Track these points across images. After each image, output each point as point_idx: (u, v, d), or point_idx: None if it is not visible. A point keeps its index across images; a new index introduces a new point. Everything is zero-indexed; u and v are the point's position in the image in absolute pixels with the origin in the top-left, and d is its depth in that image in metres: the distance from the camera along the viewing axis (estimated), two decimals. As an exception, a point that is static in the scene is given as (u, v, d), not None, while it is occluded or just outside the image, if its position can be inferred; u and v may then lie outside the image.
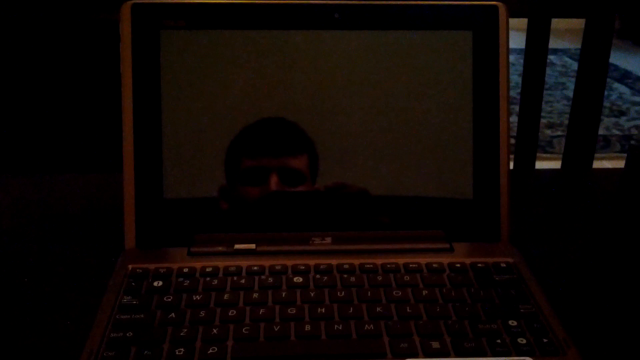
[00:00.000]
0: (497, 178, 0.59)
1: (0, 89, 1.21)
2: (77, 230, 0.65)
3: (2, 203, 0.71)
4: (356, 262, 0.55)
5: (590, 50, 0.99)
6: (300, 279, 0.53)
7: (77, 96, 1.23)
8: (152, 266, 0.54)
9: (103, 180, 0.75)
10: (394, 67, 0.59)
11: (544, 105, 1.10)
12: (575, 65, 3.35)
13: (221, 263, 0.55)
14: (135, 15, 0.57)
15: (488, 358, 0.46)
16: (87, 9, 0.95)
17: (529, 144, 1.06)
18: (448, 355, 0.46)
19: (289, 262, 0.55)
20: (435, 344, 0.46)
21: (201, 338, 0.47)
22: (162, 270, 0.54)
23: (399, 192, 0.59)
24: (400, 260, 0.55)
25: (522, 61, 1.06)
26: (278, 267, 0.54)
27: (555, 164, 1.20)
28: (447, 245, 0.58)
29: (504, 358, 0.46)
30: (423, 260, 0.56)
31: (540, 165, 1.11)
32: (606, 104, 2.89)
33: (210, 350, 0.45)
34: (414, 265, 0.55)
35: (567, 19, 1.07)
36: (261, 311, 0.49)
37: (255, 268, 0.54)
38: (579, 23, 1.03)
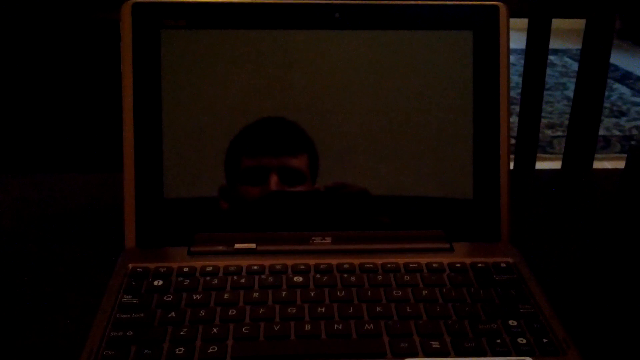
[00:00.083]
0: (497, 178, 0.59)
1: (1, 88, 1.21)
2: (78, 230, 0.65)
3: (2, 202, 0.71)
4: (356, 261, 0.55)
5: (590, 50, 0.99)
6: (300, 279, 0.53)
7: (77, 96, 1.23)
8: (152, 265, 0.54)
9: (103, 179, 0.75)
10: (394, 67, 0.59)
11: (544, 106, 1.10)
12: (575, 66, 3.36)
13: (221, 262, 0.55)
14: (135, 14, 0.57)
15: (488, 358, 0.46)
16: (88, 8, 0.95)
17: (529, 144, 1.06)
18: (448, 355, 0.46)
19: (289, 262, 0.55)
20: (435, 344, 0.46)
21: (201, 337, 0.47)
22: (162, 270, 0.54)
23: (399, 192, 0.59)
24: (400, 260, 0.55)
25: (522, 61, 1.06)
26: (278, 267, 0.54)
27: (556, 165, 1.20)
28: (447, 245, 0.58)
29: (503, 358, 0.46)
30: (423, 260, 0.56)
31: (540, 165, 1.11)
32: (606, 104, 2.90)
33: (210, 350, 0.45)
34: (414, 265, 0.55)
35: (567, 20, 1.07)
36: (261, 310, 0.49)
37: (256, 267, 0.54)
38: (579, 23, 1.03)
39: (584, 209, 0.72)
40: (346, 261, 0.55)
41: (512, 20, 0.60)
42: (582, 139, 1.03)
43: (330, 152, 0.59)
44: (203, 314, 0.49)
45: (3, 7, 0.99)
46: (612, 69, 3.37)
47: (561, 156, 1.06)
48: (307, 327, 0.48)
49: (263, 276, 0.53)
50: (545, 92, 1.10)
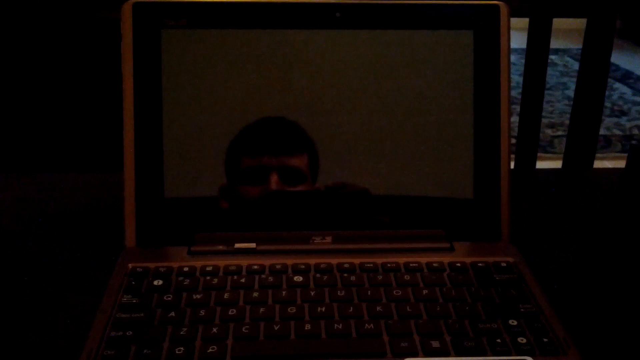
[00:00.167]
0: (497, 177, 0.59)
1: (1, 88, 1.21)
2: (78, 229, 0.65)
3: (2, 202, 0.71)
4: (356, 261, 0.55)
5: (591, 50, 0.99)
6: (301, 278, 0.53)
7: (78, 95, 1.23)
8: (152, 265, 0.54)
9: (103, 179, 0.75)
10: (395, 67, 0.59)
11: (544, 105, 1.10)
12: (576, 65, 3.35)
13: (221, 262, 0.55)
14: (136, 14, 0.57)
15: (488, 357, 0.45)
16: (88, 8, 0.95)
17: (530, 144, 1.06)
18: (448, 355, 0.46)
19: (289, 262, 0.55)
20: (435, 343, 0.46)
21: (201, 337, 0.47)
22: (162, 269, 0.54)
23: (399, 191, 0.59)
24: (401, 260, 0.55)
25: (523, 61, 1.05)
26: (278, 267, 0.54)
27: (556, 164, 1.20)
28: (448, 245, 0.58)
29: (504, 357, 0.45)
30: (423, 259, 0.56)
31: (541, 165, 1.10)
32: (607, 104, 2.89)
33: (210, 349, 0.45)
34: (414, 265, 0.55)
35: (568, 19, 1.07)
36: (261, 310, 0.49)
37: (256, 267, 0.54)
38: (580, 23, 1.03)
39: (585, 208, 0.72)
40: (346, 261, 0.55)
41: (512, 19, 0.60)
42: (583, 138, 1.03)
43: (331, 152, 0.59)
44: (203, 313, 0.49)
45: (3, 7, 0.99)
46: (613, 69, 3.37)
47: (562, 156, 1.06)
48: (307, 326, 0.48)
49: (263, 276, 0.53)
50: (546, 92, 1.10)
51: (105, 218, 0.66)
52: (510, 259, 0.56)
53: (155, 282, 0.52)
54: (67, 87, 1.23)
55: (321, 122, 0.59)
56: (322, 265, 0.55)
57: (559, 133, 2.60)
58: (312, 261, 0.55)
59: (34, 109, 1.23)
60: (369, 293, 0.51)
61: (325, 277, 0.53)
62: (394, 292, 0.52)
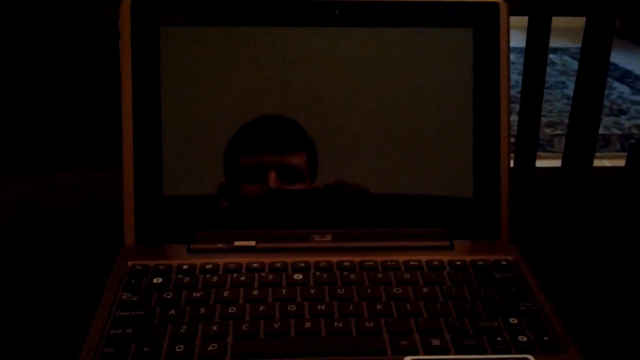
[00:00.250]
0: (497, 176, 0.59)
1: (1, 87, 1.21)
2: (77, 227, 0.65)
3: (2, 200, 0.70)
4: (356, 259, 0.55)
5: (590, 49, 0.99)
6: (300, 276, 0.53)
7: (76, 93, 1.23)
8: (151, 263, 0.54)
9: (103, 177, 0.75)
10: (394, 65, 0.59)
11: (544, 104, 1.10)
12: (575, 64, 3.36)
13: (221, 260, 0.55)
14: (134, 11, 0.57)
15: (488, 356, 0.45)
16: (87, 5, 0.95)
17: (529, 143, 1.06)
18: (448, 353, 0.46)
19: (289, 260, 0.55)
20: (436, 342, 0.46)
21: (201, 335, 0.46)
22: (161, 267, 0.54)
23: (399, 189, 0.59)
24: (401, 258, 0.55)
25: (522, 60, 1.05)
26: (278, 265, 0.54)
27: (556, 163, 1.20)
28: (448, 243, 0.58)
29: (504, 356, 0.45)
30: (423, 257, 0.56)
31: (540, 164, 1.10)
32: (606, 103, 2.89)
33: (210, 347, 0.45)
34: (414, 263, 0.55)
35: (567, 18, 1.07)
36: (261, 308, 0.49)
37: (255, 265, 0.54)
38: (579, 22, 1.03)
39: (584, 207, 0.72)
40: (346, 259, 0.55)
41: (512, 18, 0.60)
42: (582, 137, 1.03)
43: (330, 150, 0.59)
44: (203, 311, 0.49)
45: (4, 5, 0.99)
46: (612, 68, 3.37)
47: (561, 155, 1.06)
48: (307, 324, 0.48)
49: (263, 274, 0.53)
50: (545, 91, 1.10)
51: (104, 216, 0.66)
52: (510, 258, 0.56)
53: (155, 280, 0.52)
54: (66, 85, 1.23)
55: (320, 120, 0.59)
56: (322, 264, 0.55)
57: (558, 132, 2.60)
58: (312, 259, 0.55)
59: (33, 108, 1.23)
60: (369, 291, 0.51)
61: (325, 275, 0.53)
62: (394, 290, 0.52)
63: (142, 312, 0.49)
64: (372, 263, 0.55)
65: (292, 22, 0.59)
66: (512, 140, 0.70)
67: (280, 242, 0.57)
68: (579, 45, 1.01)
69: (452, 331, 0.47)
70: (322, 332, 0.47)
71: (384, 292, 0.51)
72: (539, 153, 1.09)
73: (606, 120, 2.75)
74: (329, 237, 0.58)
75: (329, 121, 0.59)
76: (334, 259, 0.55)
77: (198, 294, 0.51)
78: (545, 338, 0.47)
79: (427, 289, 0.52)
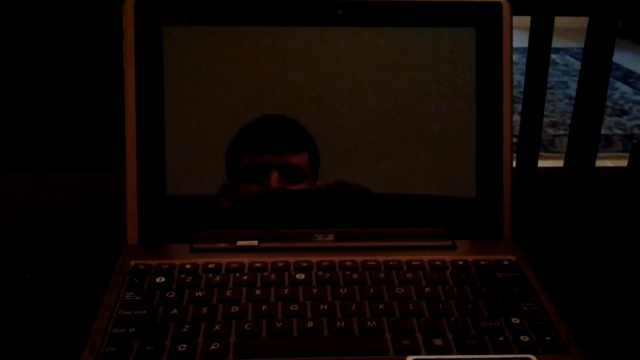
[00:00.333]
0: (499, 176, 0.59)
1: (2, 85, 1.21)
2: (80, 227, 0.65)
3: (4, 200, 0.71)
4: (359, 259, 0.55)
5: (593, 49, 0.99)
6: (303, 276, 0.53)
7: (79, 93, 1.23)
8: (154, 262, 0.54)
9: (106, 176, 0.75)
10: (397, 64, 0.59)
11: (546, 104, 1.10)
12: (577, 65, 3.35)
13: (223, 259, 0.55)
14: (137, 11, 0.57)
15: (490, 355, 0.45)
16: (90, 6, 0.95)
17: (532, 143, 1.06)
18: (450, 353, 0.46)
19: (292, 259, 0.55)
20: (438, 341, 0.46)
21: (203, 334, 0.46)
22: (164, 267, 0.54)
23: (401, 189, 0.59)
24: (403, 258, 0.55)
25: (524, 60, 1.05)
26: (280, 264, 0.54)
27: (558, 163, 1.20)
28: (450, 243, 0.58)
29: (506, 356, 0.45)
30: (426, 257, 0.56)
31: (542, 164, 1.10)
32: (608, 103, 2.89)
33: (213, 346, 0.45)
34: (416, 263, 0.55)
35: (569, 18, 1.07)
36: (263, 307, 0.49)
37: (258, 265, 0.54)
38: (581, 22, 1.03)
39: (586, 207, 0.72)
40: (348, 258, 0.55)
41: (514, 18, 0.60)
42: (584, 137, 1.03)
43: (332, 150, 0.59)
44: (205, 310, 0.49)
45: (5, 5, 0.99)
46: (614, 68, 3.37)
47: (563, 155, 1.06)
48: (310, 324, 0.48)
49: (265, 273, 0.53)
50: (547, 91, 1.10)
51: (107, 215, 0.66)
52: (513, 257, 0.56)
53: (158, 280, 0.52)
54: (69, 85, 1.23)
55: (322, 120, 0.59)
56: (324, 263, 0.55)
57: (560, 132, 2.60)
58: (314, 259, 0.55)
59: (36, 107, 1.23)
60: (371, 291, 0.51)
61: (327, 275, 0.53)
62: (396, 290, 0.52)
63: (144, 312, 0.49)
64: (374, 263, 0.55)
65: (295, 22, 0.59)
66: (515, 140, 0.70)
67: (282, 241, 0.57)
68: (582, 45, 1.01)
69: (454, 331, 0.47)
70: (324, 331, 0.47)
71: (386, 291, 0.51)
72: (541, 153, 1.09)
73: (608, 121, 2.75)
74: (331, 237, 0.58)
75: (331, 121, 0.59)
76: (336, 258, 0.55)
77: (200, 294, 0.51)
78: (547, 338, 0.47)
79: (429, 289, 0.52)
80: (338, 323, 0.48)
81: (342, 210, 0.59)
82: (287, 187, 0.58)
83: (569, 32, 3.28)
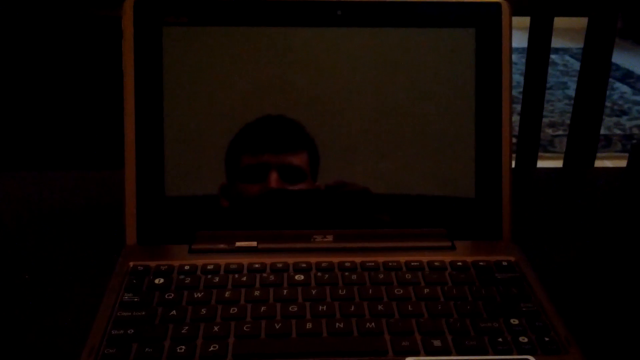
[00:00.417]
0: (499, 176, 0.59)
1: (2, 85, 1.21)
2: (79, 227, 0.65)
3: (4, 199, 0.70)
4: (358, 260, 0.55)
5: (592, 49, 0.99)
6: (302, 277, 0.53)
7: (78, 93, 1.23)
8: (153, 263, 0.54)
9: (104, 177, 0.75)
10: (396, 65, 0.59)
11: (545, 105, 1.10)
12: (576, 65, 3.35)
13: (222, 260, 0.55)
14: (137, 11, 0.57)
15: (490, 356, 0.45)
16: (89, 5, 0.95)
17: (531, 143, 1.06)
18: (449, 354, 0.46)
19: (291, 260, 0.55)
20: (437, 342, 0.46)
21: (202, 335, 0.46)
22: (163, 268, 0.54)
23: (400, 190, 0.59)
24: (402, 258, 0.55)
25: (524, 60, 1.05)
26: (279, 265, 0.54)
27: (557, 163, 1.20)
28: (449, 244, 0.58)
29: (505, 357, 0.45)
30: (425, 258, 0.56)
31: (541, 164, 1.10)
32: (607, 103, 2.89)
33: (212, 348, 0.45)
34: (415, 263, 0.55)
35: (569, 18, 1.07)
36: (262, 309, 0.49)
37: (257, 265, 0.54)
38: (580, 22, 1.03)
39: (585, 207, 0.72)
40: (348, 259, 0.55)
41: (514, 19, 0.60)
42: (584, 137, 1.03)
43: (332, 150, 0.59)
44: (204, 312, 0.49)
45: (5, 5, 0.99)
46: (613, 68, 3.37)
47: (562, 155, 1.06)
48: (309, 325, 0.48)
49: (264, 274, 0.53)
50: (547, 91, 1.10)
51: (106, 216, 0.66)
52: (512, 258, 0.56)
53: (157, 281, 0.52)
54: (68, 85, 1.23)
55: (322, 120, 0.59)
56: (323, 264, 0.55)
57: (560, 132, 2.60)
58: (314, 260, 0.55)
59: (35, 107, 1.23)
60: (370, 292, 0.51)
61: (326, 276, 0.53)
62: (396, 290, 0.52)
63: (143, 313, 0.49)
64: (373, 264, 0.55)
65: (295, 23, 0.59)
66: (514, 140, 0.70)
67: (281, 242, 0.57)
68: (581, 45, 1.01)
69: (454, 332, 0.47)
70: (323, 332, 0.47)
71: (385, 292, 0.51)
72: (540, 153, 1.09)
73: (608, 121, 2.75)
74: (330, 238, 0.58)
75: (330, 121, 0.59)
76: (335, 259, 0.55)
77: (199, 295, 0.51)
78: (547, 339, 0.47)
79: (428, 290, 0.52)
80: (337, 324, 0.48)
81: (342, 211, 0.59)
82: (286, 187, 0.58)
83: (569, 32, 3.28)
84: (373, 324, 0.48)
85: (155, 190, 0.58)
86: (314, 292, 0.51)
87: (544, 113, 1.09)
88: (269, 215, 0.58)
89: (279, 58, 0.59)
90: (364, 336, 0.47)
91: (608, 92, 2.51)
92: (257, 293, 0.51)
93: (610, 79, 3.19)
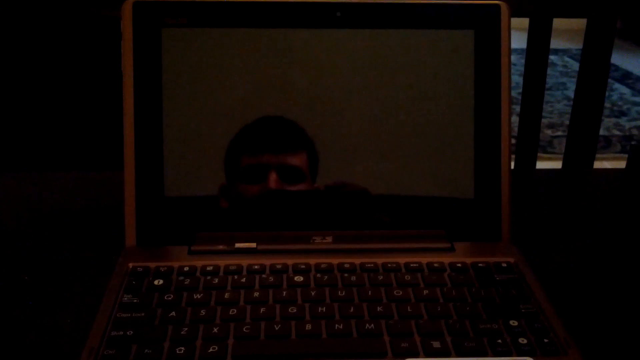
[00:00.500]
0: (498, 178, 0.59)
1: (1, 86, 1.21)
2: (78, 228, 0.65)
3: (4, 200, 0.70)
4: (357, 261, 0.55)
5: (591, 50, 0.99)
6: (301, 278, 0.53)
7: (78, 94, 1.23)
8: (152, 264, 0.54)
9: (104, 178, 0.75)
10: (396, 66, 0.59)
11: (544, 106, 1.10)
12: (576, 66, 3.35)
13: (222, 262, 0.55)
14: (136, 12, 0.57)
15: (489, 358, 0.45)
16: (89, 6, 0.95)
17: (530, 144, 1.06)
18: (449, 355, 0.46)
19: (290, 261, 0.55)
20: (436, 344, 0.46)
21: (202, 336, 0.46)
22: (162, 269, 0.54)
23: (400, 191, 0.59)
24: (401, 260, 0.55)
25: (523, 61, 1.05)
26: (279, 266, 0.54)
27: (556, 164, 1.20)
28: (448, 245, 0.58)
29: (504, 358, 0.45)
30: (424, 259, 0.56)
31: (541, 165, 1.10)
32: (607, 104, 2.89)
33: (211, 349, 0.45)
34: (414, 265, 0.55)
35: (568, 19, 1.07)
36: (262, 310, 0.49)
37: (256, 267, 0.54)
38: (579, 23, 1.03)
39: (585, 208, 0.72)
40: (347, 261, 0.55)
41: (513, 19, 0.60)
42: (583, 138, 1.03)
43: (331, 151, 0.59)
44: (204, 313, 0.49)
45: (5, 5, 0.99)
46: (613, 69, 3.37)
47: (562, 156, 1.06)
48: (308, 326, 0.48)
49: (264, 275, 0.53)
50: (546, 92, 1.10)
51: (105, 217, 0.66)
52: (511, 259, 0.56)
53: (156, 282, 0.52)
54: (68, 85, 1.23)
55: (321, 121, 0.59)
56: (322, 265, 0.55)
57: (559, 133, 2.60)
58: (313, 261, 0.55)
59: (34, 108, 1.23)
60: (369, 293, 0.51)
61: (325, 277, 0.53)
62: (395, 292, 0.52)
63: (142, 314, 0.49)
64: (372, 265, 0.55)
65: (294, 24, 0.59)
66: (513, 141, 0.70)
67: (280, 243, 0.57)
68: (580, 46, 1.01)
69: (453, 333, 0.47)
70: (322, 333, 0.47)
71: (385, 294, 0.51)
72: (539, 154, 1.09)
73: (607, 122, 2.75)
74: (329, 239, 0.58)
75: (329, 122, 0.59)
76: (335, 260, 0.55)
77: (199, 296, 0.51)
78: (546, 340, 0.47)
79: (427, 291, 0.52)
80: (336, 325, 0.48)
81: (341, 212, 0.59)
82: (286, 187, 0.58)
83: (568, 33, 3.29)
84: (372, 325, 0.48)
85: (155, 191, 0.58)
86: (313, 294, 0.51)
87: (543, 114, 1.09)
88: (268, 216, 0.58)
89: (279, 59, 0.59)
90: (363, 337, 0.47)
91: (607, 93, 2.52)
92: (256, 294, 0.51)
93: (610, 80, 3.19)
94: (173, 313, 0.49)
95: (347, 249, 0.57)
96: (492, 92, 0.59)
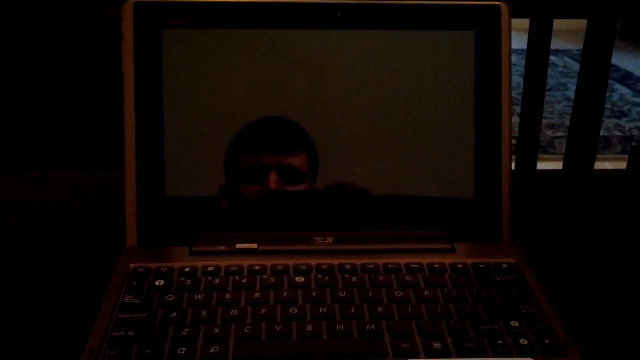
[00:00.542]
0: (498, 178, 0.59)
1: (2, 87, 1.21)
2: (79, 229, 0.65)
3: (3, 202, 0.71)
4: (358, 262, 0.55)
5: (592, 51, 0.99)
6: (302, 279, 0.53)
7: (78, 95, 1.23)
8: (153, 265, 0.54)
9: (105, 178, 0.75)
10: (396, 67, 0.59)
11: (545, 106, 1.10)
12: (576, 66, 3.35)
13: (223, 262, 0.55)
14: (137, 13, 0.57)
15: (489, 359, 0.45)
16: (89, 6, 0.95)
17: (530, 145, 1.06)
18: (449, 356, 0.46)
19: (291, 262, 0.55)
20: (437, 344, 0.46)
21: (203, 337, 0.47)
22: (163, 269, 0.54)
23: (400, 192, 0.59)
24: (402, 260, 0.55)
25: (523, 61, 1.05)
26: (279, 267, 0.54)
27: (557, 165, 1.20)
28: (449, 246, 0.58)
29: (505, 359, 0.45)
30: (424, 260, 0.56)
31: (541, 166, 1.10)
32: (607, 105, 2.89)
33: (212, 350, 0.45)
34: (415, 265, 0.55)
35: (568, 20, 1.07)
36: (263, 311, 0.49)
37: (257, 267, 0.54)
38: (580, 24, 1.03)
39: (585, 209, 0.72)
40: (347, 261, 0.55)
41: (513, 20, 0.60)
42: (583, 139, 1.03)
43: (331, 152, 0.59)
44: (204, 313, 0.49)
45: (5, 5, 0.99)
46: (613, 70, 3.37)
47: (562, 156, 1.06)
48: (309, 327, 0.48)
49: (264, 276, 0.53)
50: (546, 93, 1.10)
51: (106, 218, 0.66)
52: (511, 260, 0.56)
53: (157, 282, 0.52)
54: (68, 86, 1.23)
55: (321, 121, 0.59)
56: (323, 266, 0.55)
57: (559, 134, 2.60)
58: (314, 262, 0.55)
59: (35, 108, 1.23)
60: (370, 294, 0.51)
61: (326, 278, 0.53)
62: (395, 292, 0.52)
63: (143, 314, 0.49)
64: (373, 265, 0.55)
65: (294, 25, 0.59)
66: (513, 142, 0.70)
67: (281, 244, 0.57)
68: (581, 47, 1.01)
69: (453, 334, 0.47)
70: (323, 334, 0.47)
71: (385, 294, 0.51)
72: (540, 155, 1.09)
73: (607, 122, 2.75)
74: (330, 240, 0.58)
75: (329, 122, 0.59)
76: (335, 261, 0.55)
77: (200, 296, 0.51)
78: (546, 341, 0.47)
79: (428, 292, 0.52)
80: (337, 326, 0.48)
81: (341, 212, 0.59)
82: (286, 188, 0.58)
83: (569, 33, 3.29)
84: (373, 325, 0.48)
85: (156, 192, 0.58)
86: (314, 294, 0.51)
87: (544, 114, 1.09)
88: (268, 216, 0.58)
89: (279, 60, 0.59)
90: (364, 338, 0.47)
91: (607, 94, 2.52)
92: (257, 295, 0.51)
93: (610, 81, 3.19)
94: (174, 313, 0.49)
95: (348, 249, 0.57)
96: (493, 93, 0.59)
